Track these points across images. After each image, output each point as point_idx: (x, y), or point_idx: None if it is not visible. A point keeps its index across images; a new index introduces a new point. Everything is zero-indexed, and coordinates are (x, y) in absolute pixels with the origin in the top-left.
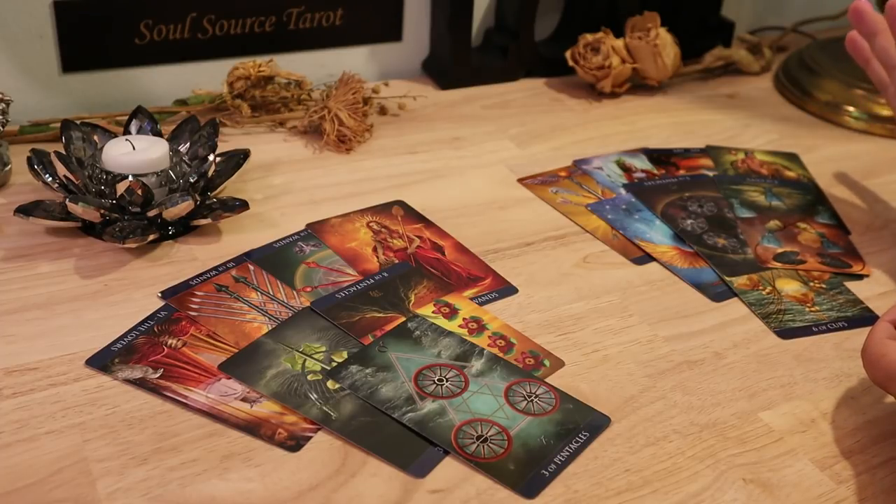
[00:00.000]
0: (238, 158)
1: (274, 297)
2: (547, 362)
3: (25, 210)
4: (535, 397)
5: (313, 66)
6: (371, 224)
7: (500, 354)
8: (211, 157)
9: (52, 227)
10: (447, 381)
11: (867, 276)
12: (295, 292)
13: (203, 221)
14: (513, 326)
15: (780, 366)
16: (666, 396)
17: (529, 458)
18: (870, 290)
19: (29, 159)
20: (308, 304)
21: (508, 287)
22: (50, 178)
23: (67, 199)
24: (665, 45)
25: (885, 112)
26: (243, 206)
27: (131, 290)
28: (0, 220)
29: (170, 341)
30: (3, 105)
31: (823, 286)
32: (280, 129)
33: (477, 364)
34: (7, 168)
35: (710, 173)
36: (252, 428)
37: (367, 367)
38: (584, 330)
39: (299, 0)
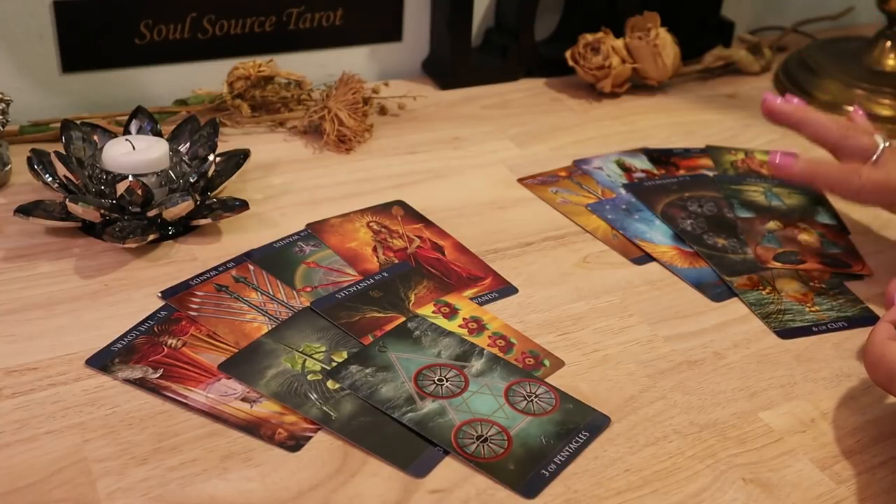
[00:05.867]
0: (238, 158)
1: (274, 297)
2: (547, 362)
3: (25, 210)
4: (535, 397)
5: (313, 66)
6: (371, 224)
7: (500, 354)
8: (211, 157)
9: (52, 227)
10: (447, 381)
11: (867, 276)
12: (295, 292)
13: (203, 221)
14: (513, 326)
15: (780, 366)
16: (666, 396)
17: (529, 458)
18: (870, 290)
19: (29, 159)
20: (308, 304)
21: (508, 287)
22: (50, 178)
23: (67, 199)
24: (665, 45)
25: (886, 112)
26: (243, 206)
27: (131, 290)
28: (0, 220)
29: (170, 341)
30: (3, 105)
31: (823, 286)
32: (280, 129)
33: (477, 364)
34: (7, 168)
35: (710, 173)
36: (252, 428)
37: (367, 367)
38: (584, 330)
39: (299, 0)
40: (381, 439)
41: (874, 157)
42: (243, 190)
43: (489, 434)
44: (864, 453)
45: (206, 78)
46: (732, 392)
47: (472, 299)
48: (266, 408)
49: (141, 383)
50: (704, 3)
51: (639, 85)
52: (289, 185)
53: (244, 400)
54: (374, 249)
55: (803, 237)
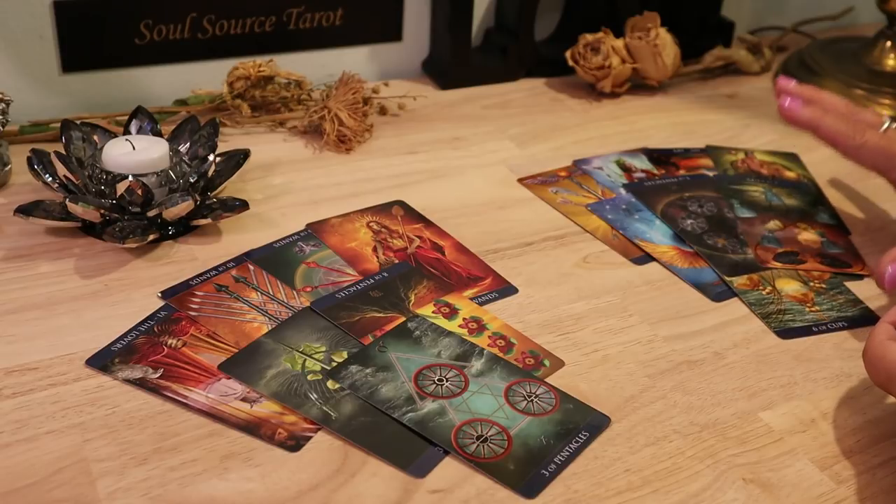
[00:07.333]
0: (238, 158)
1: (274, 297)
2: (547, 362)
3: (25, 210)
4: (535, 397)
5: (313, 66)
6: (371, 224)
7: (500, 354)
8: (211, 157)
9: (52, 227)
10: (447, 381)
11: (867, 276)
12: (295, 292)
13: (203, 221)
14: (513, 326)
15: (780, 366)
16: (666, 396)
17: (529, 458)
18: (870, 290)
19: (29, 159)
20: (308, 304)
21: (508, 287)
22: (50, 178)
23: (67, 199)
24: (665, 45)
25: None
26: (243, 206)
27: (131, 290)
28: (0, 220)
29: (170, 341)
30: (3, 105)
31: (823, 286)
32: (280, 129)
33: (477, 364)
34: (7, 168)
35: (710, 173)
36: (252, 428)
37: (367, 367)
38: (584, 330)
39: (299, 0)
40: (381, 439)
41: (881, 130)
42: (243, 190)
43: (489, 434)
44: (864, 453)
45: (206, 78)
46: (732, 392)
47: (472, 299)
48: (266, 408)
49: (141, 383)
50: (704, 3)
51: (639, 85)
52: (289, 185)
53: (244, 400)
54: (374, 249)
55: (803, 237)
